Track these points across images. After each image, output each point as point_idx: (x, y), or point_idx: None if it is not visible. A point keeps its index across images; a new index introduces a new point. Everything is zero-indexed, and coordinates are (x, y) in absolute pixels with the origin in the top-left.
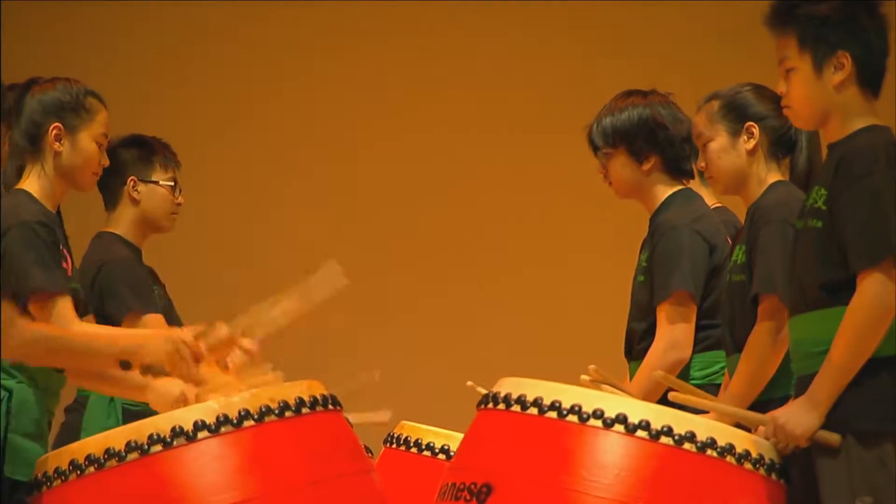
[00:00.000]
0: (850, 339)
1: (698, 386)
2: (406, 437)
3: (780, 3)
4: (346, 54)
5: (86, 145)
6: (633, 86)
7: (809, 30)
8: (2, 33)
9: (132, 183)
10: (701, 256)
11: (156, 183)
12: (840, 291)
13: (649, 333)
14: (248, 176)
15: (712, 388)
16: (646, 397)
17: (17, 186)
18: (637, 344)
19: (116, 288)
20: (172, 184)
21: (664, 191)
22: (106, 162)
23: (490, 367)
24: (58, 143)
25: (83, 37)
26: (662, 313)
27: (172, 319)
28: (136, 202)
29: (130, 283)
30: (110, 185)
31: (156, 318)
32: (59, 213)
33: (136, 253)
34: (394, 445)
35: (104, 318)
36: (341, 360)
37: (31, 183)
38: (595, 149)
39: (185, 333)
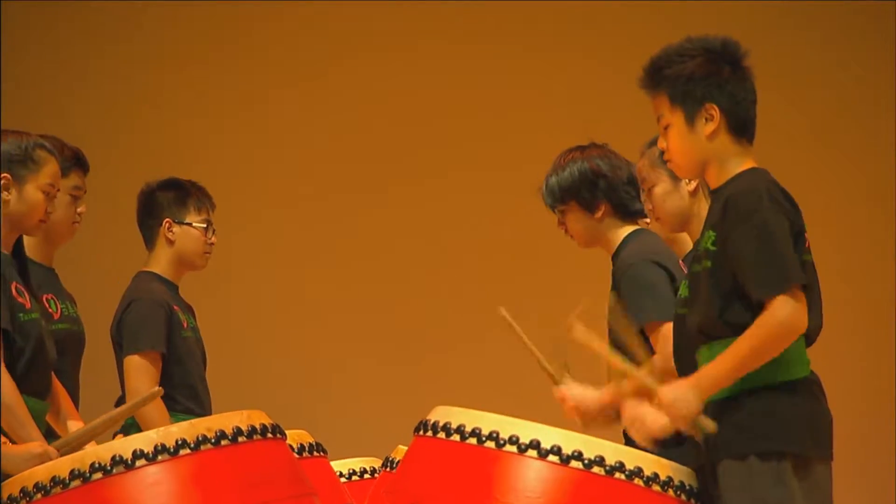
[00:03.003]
0: (752, 347)
1: None
2: (399, 462)
3: (649, 67)
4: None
5: (31, 195)
6: None
7: (677, 87)
8: (2, 33)
9: (167, 224)
10: (662, 284)
11: (189, 224)
12: (739, 323)
13: None
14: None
15: None
16: None
17: None
18: None
19: (132, 326)
20: (205, 225)
21: (619, 234)
22: (53, 210)
23: (486, 394)
24: (6, 192)
25: (83, 37)
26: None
27: (197, 355)
28: (171, 242)
29: (142, 324)
30: (148, 227)
31: (135, 360)
32: (17, 252)
33: (172, 289)
34: (388, 469)
35: (120, 348)
36: (341, 388)
37: None
38: (551, 208)
39: (52, 451)
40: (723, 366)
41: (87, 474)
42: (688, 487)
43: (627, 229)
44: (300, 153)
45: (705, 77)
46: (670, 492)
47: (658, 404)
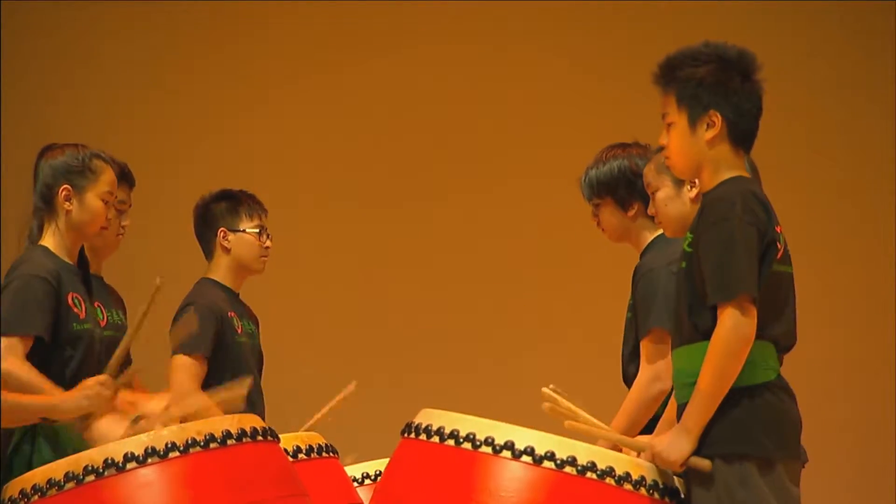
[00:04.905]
0: (713, 368)
1: None
2: None
3: (664, 64)
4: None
5: (92, 203)
6: None
7: (686, 90)
8: (2, 33)
9: (222, 234)
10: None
11: (243, 231)
12: (703, 326)
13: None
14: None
15: None
16: (628, 429)
17: (39, 242)
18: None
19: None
20: (258, 230)
21: (649, 234)
22: (112, 216)
23: (511, 400)
24: (67, 203)
25: (83, 37)
26: (643, 350)
27: (251, 360)
28: (227, 250)
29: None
30: (205, 237)
31: (180, 359)
32: (81, 262)
33: (231, 295)
34: None
35: None
36: (368, 391)
37: (48, 238)
38: (587, 199)
39: (108, 382)
40: (698, 401)
41: (81, 476)
42: (661, 486)
43: (657, 231)
44: (317, 157)
45: (714, 84)
46: (642, 490)
47: (648, 455)
